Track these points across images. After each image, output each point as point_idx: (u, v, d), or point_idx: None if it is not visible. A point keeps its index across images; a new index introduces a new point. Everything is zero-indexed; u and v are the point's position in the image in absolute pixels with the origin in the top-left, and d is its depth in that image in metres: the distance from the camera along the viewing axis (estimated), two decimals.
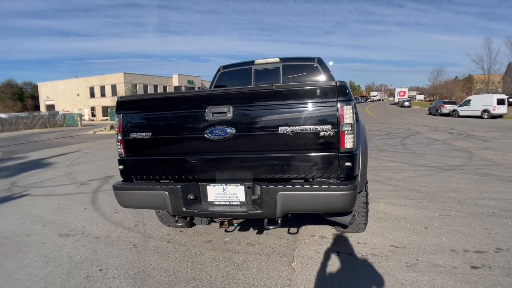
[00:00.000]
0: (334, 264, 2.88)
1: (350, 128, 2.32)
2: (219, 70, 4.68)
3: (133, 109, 2.69)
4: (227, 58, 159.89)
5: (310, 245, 3.29)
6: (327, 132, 2.32)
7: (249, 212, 2.47)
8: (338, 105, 2.31)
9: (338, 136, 2.32)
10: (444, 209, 4.14)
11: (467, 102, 24.75)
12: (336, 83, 2.34)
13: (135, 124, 2.67)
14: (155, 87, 57.26)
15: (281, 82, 4.37)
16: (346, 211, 2.44)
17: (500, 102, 22.34)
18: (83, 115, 40.28)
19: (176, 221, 2.88)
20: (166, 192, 2.56)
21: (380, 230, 3.55)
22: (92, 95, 53.10)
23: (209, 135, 2.46)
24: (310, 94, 2.36)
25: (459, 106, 25.40)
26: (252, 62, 4.48)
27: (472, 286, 2.44)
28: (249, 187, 2.56)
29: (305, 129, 2.34)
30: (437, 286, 2.46)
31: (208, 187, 2.64)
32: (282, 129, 2.36)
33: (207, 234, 3.67)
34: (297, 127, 2.35)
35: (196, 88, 62.96)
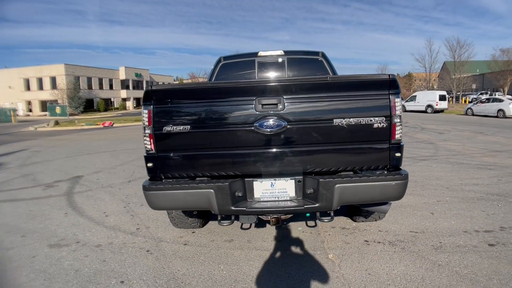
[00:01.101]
0: (368, 252, 2.91)
1: (399, 120, 2.36)
2: (219, 61, 4.41)
3: (168, 99, 2.38)
4: (174, 51, 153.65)
5: (335, 236, 3.29)
6: (380, 123, 2.33)
7: (305, 206, 2.37)
8: (390, 97, 2.33)
9: (390, 127, 2.34)
10: (438, 195, 4.46)
11: (413, 98, 27.07)
12: (389, 76, 2.37)
13: (170, 117, 2.36)
14: (100, 80, 53.05)
15: (286, 75, 4.29)
16: (399, 199, 2.47)
17: (442, 98, 24.92)
18: (16, 110, 35.56)
19: (220, 221, 2.59)
20: (212, 190, 2.34)
21: (393, 218, 3.69)
22: (28, 87, 47.09)
23: (259, 128, 2.30)
24: (364, 86, 2.35)
25: (405, 102, 27.73)
26: (255, 54, 4.32)
27: (498, 261, 2.65)
28: (299, 181, 2.46)
29: (359, 121, 2.32)
30: (470, 264, 2.62)
31: (254, 183, 2.47)
32: (336, 121, 2.31)
33: (224, 234, 3.47)
34: (351, 119, 2.32)
35: (144, 81, 59.80)
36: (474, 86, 39.94)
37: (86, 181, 6.08)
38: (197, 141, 2.38)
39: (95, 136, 15.17)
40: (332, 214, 2.51)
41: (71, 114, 37.53)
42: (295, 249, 3.05)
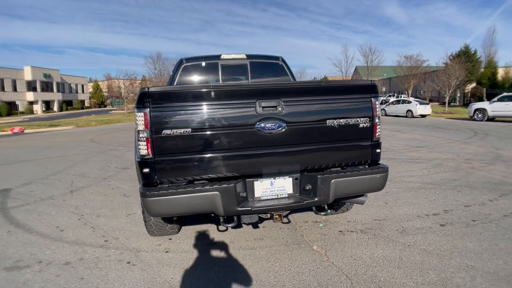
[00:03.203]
0: (346, 241, 3.20)
1: (378, 120, 2.70)
2: (180, 63, 4.29)
3: (167, 101, 2.28)
4: (87, 51, 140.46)
5: (311, 230, 3.52)
6: (365, 123, 2.62)
7: (306, 201, 2.51)
8: (372, 100, 2.64)
9: (372, 127, 2.65)
10: (385, 187, 5.07)
11: None
12: (371, 81, 2.70)
13: (169, 119, 2.27)
14: (1, 80, 45.64)
15: (249, 78, 4.42)
16: (381, 190, 2.79)
17: None
18: None
19: (222, 223, 2.59)
20: (218, 193, 2.32)
21: (355, 209, 4.09)
22: None
23: (260, 129, 2.37)
24: (351, 90, 2.63)
25: None
26: (218, 57, 4.34)
27: (452, 238, 3.19)
28: (296, 179, 2.60)
29: (348, 122, 2.58)
30: (432, 242, 3.10)
31: (255, 182, 2.52)
32: (328, 121, 2.53)
33: (202, 238, 3.41)
34: (341, 119, 2.56)
35: (54, 83, 53.42)
36: (384, 89, 45.66)
37: (18, 195, 5.24)
38: (198, 143, 2.33)
39: (6, 144, 13.02)
40: (326, 207, 2.72)
41: None
42: (281, 245, 3.17)
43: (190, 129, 2.28)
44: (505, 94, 17.59)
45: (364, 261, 2.81)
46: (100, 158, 8.71)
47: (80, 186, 5.70)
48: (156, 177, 2.34)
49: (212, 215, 2.56)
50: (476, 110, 17.58)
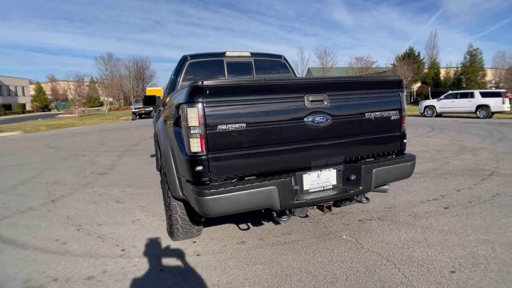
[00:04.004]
0: (369, 228, 3.32)
1: (405, 113, 2.88)
2: (185, 59, 4.12)
3: (221, 96, 2.20)
4: (26, 50, 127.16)
5: (332, 221, 3.59)
6: (395, 116, 2.81)
7: (352, 191, 2.58)
8: (400, 94, 2.82)
9: (400, 119, 2.84)
10: None
11: None
12: (399, 77, 2.86)
13: (225, 114, 2.20)
14: None
15: (254, 76, 4.40)
16: (409, 177, 2.96)
17: None
18: None
19: (277, 217, 2.57)
20: (275, 187, 2.28)
21: None
22: None
23: (308, 122, 2.41)
24: (384, 85, 2.80)
25: None
26: (222, 54, 4.28)
27: (460, 218, 3.48)
28: (339, 170, 2.65)
29: (383, 114, 2.74)
30: (445, 223, 3.35)
31: (304, 175, 2.52)
32: (367, 114, 2.66)
33: (229, 238, 3.31)
34: (377, 112, 2.71)
35: None
36: None
37: None
38: (251, 138, 2.28)
39: None
40: (366, 196, 2.83)
41: None
42: (311, 238, 3.19)
43: (244, 124, 2.23)
44: (450, 92, 19.57)
45: (395, 244, 2.94)
46: (68, 164, 7.97)
47: (61, 195, 5.17)
48: (209, 174, 2.22)
49: (262, 210, 2.50)
50: (426, 107, 19.32)
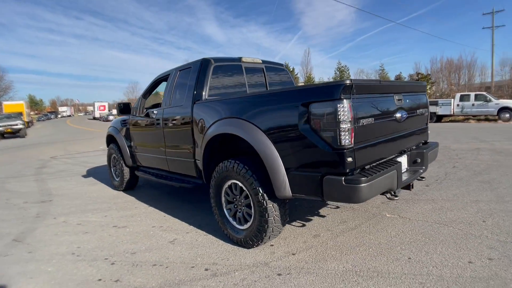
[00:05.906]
0: (401, 206, 3.99)
1: (429, 110, 3.78)
2: (209, 63, 3.90)
3: (365, 93, 2.59)
4: None
5: (361, 206, 4.10)
6: (426, 112, 3.74)
7: (421, 171, 3.27)
8: (425, 96, 3.78)
9: (428, 115, 3.81)
10: None
11: None
12: (425, 83, 3.79)
13: (365, 110, 2.58)
14: None
15: (266, 82, 4.63)
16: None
17: None
18: None
19: (392, 196, 2.92)
20: (396, 170, 2.70)
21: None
22: None
23: (397, 117, 2.98)
24: (421, 88, 3.67)
25: None
26: (239, 59, 4.37)
27: (466, 189, 4.56)
28: (407, 155, 3.29)
29: (423, 112, 3.61)
30: (458, 194, 4.32)
31: (399, 159, 3.03)
32: (418, 111, 3.48)
33: (308, 231, 3.39)
34: (422, 109, 3.56)
35: None
36: None
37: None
38: (376, 131, 2.72)
39: None
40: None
41: None
42: (368, 220, 3.61)
43: (373, 118, 2.64)
44: None
45: (435, 211, 3.74)
46: None
47: (20, 232, 3.91)
48: (355, 164, 2.41)
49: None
50: None
